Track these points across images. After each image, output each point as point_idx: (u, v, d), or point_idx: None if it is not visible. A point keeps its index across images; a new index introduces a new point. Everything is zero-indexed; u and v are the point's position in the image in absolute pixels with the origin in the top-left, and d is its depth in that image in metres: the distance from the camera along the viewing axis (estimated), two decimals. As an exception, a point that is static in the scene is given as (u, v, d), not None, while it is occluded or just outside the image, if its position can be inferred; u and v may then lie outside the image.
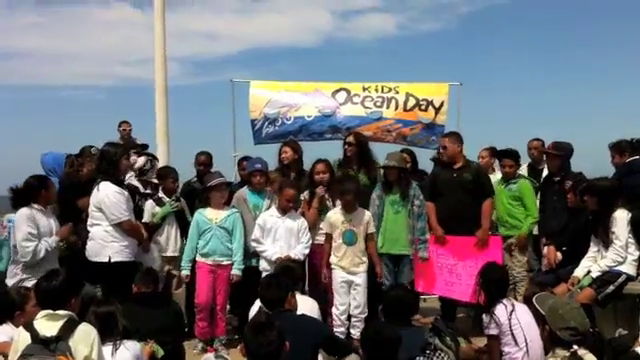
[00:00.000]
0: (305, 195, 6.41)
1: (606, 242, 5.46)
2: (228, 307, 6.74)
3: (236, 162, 7.69)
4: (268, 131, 8.09)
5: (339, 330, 5.84)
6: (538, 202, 6.89)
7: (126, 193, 5.71)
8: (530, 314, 4.35)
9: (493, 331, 4.48)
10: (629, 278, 5.36)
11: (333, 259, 6.05)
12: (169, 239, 6.31)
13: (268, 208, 6.33)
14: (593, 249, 5.63)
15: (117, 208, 5.54)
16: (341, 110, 8.09)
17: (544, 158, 7.29)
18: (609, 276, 5.36)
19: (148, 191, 6.47)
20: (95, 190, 5.62)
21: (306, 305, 4.66)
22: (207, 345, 6.07)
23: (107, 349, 3.67)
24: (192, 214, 6.43)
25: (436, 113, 8.02)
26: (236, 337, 6.13)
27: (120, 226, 5.57)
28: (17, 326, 3.77)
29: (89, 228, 5.63)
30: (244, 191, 6.51)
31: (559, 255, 6.18)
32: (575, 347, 3.43)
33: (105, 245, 5.53)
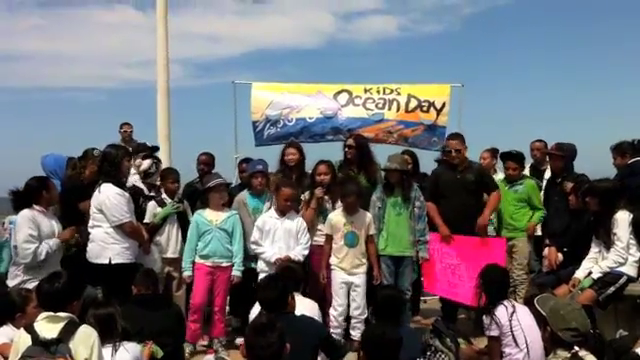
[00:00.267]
0: (305, 195, 6.42)
1: (607, 243, 5.45)
2: (228, 308, 6.74)
3: (237, 164, 7.69)
4: (270, 133, 8.08)
5: (336, 332, 5.86)
6: (542, 203, 6.90)
7: (127, 195, 5.70)
8: (531, 315, 4.35)
9: (494, 332, 4.48)
10: (630, 279, 5.36)
11: (334, 260, 6.07)
12: (170, 241, 6.29)
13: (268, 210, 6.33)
14: (594, 250, 5.63)
15: (118, 210, 5.54)
16: (343, 112, 8.08)
17: (546, 159, 7.29)
18: (610, 277, 5.36)
19: (152, 194, 6.47)
20: (96, 192, 5.62)
21: (306, 306, 4.66)
22: (207, 347, 6.10)
23: (107, 351, 3.68)
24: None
25: (438, 114, 8.00)
26: (237, 340, 6.13)
27: (121, 228, 5.56)
28: (18, 328, 3.78)
29: (90, 230, 5.63)
30: (244, 194, 6.51)
31: (560, 256, 6.18)
32: (576, 348, 3.44)
33: (106, 247, 5.52)
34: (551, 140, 7.36)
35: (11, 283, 5.22)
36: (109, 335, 3.79)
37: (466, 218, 6.42)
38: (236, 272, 6.17)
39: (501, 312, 4.46)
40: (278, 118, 8.05)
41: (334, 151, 7.00)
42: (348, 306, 6.04)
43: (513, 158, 6.94)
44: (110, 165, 5.73)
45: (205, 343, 6.23)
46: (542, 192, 7.06)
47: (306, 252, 6.09)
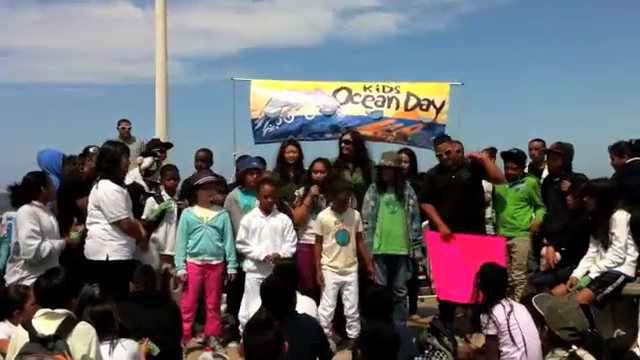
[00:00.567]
0: (300, 191, 6.41)
1: (605, 243, 5.45)
2: (225, 306, 6.74)
3: (235, 161, 7.69)
4: (269, 130, 8.07)
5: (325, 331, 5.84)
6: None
7: (125, 191, 5.67)
8: (528, 314, 4.35)
9: (491, 331, 4.48)
10: (628, 279, 5.36)
11: (325, 260, 6.05)
12: (168, 237, 6.27)
13: None
14: (592, 250, 5.63)
15: (116, 206, 5.51)
16: (342, 110, 8.08)
17: (544, 158, 7.30)
18: (608, 277, 5.36)
19: (152, 191, 6.46)
20: (94, 188, 5.60)
21: (305, 304, 4.66)
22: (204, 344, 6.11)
23: (104, 348, 3.67)
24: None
25: (437, 113, 8.01)
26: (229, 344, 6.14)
27: (119, 224, 5.54)
28: (15, 324, 3.77)
29: (87, 226, 5.60)
30: (235, 192, 6.48)
31: (558, 255, 6.18)
32: (574, 347, 3.44)
33: (103, 244, 5.49)
34: (550, 139, 7.39)
35: (9, 280, 5.20)
36: (106, 332, 3.77)
37: (464, 216, 6.41)
38: (231, 270, 6.16)
39: (499, 311, 4.46)
40: (277, 116, 8.05)
41: (332, 149, 7.00)
42: (337, 306, 6.04)
43: (514, 158, 6.94)
44: (108, 162, 5.69)
45: (200, 340, 6.22)
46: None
47: (294, 249, 6.05)
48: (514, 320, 4.39)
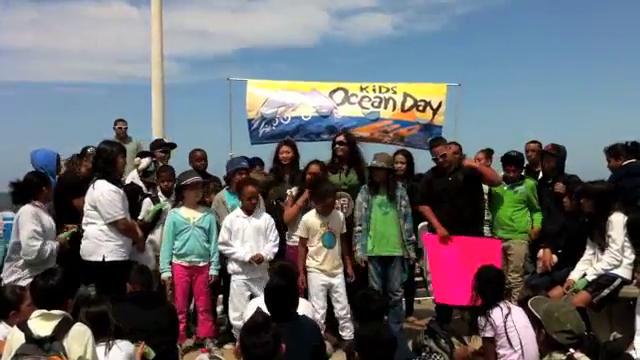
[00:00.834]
0: (293, 191, 6.40)
1: (602, 245, 5.47)
2: (221, 307, 6.72)
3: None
4: (265, 131, 8.04)
5: None
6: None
7: (122, 192, 5.66)
8: (526, 317, 4.35)
9: (488, 333, 4.48)
10: (624, 282, 5.37)
11: (312, 263, 6.04)
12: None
13: None
14: (589, 252, 5.64)
15: (112, 207, 5.49)
16: (338, 110, 8.04)
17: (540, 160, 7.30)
18: (605, 279, 5.37)
19: (150, 192, 6.44)
20: (90, 188, 5.57)
21: (302, 305, 4.64)
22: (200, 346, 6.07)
23: (100, 349, 3.66)
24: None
25: (434, 114, 7.98)
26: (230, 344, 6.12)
27: (115, 225, 5.51)
28: (12, 325, 3.74)
29: (84, 227, 5.58)
30: (222, 193, 6.46)
31: (554, 258, 6.19)
32: (571, 350, 3.44)
33: (100, 244, 5.47)
34: (547, 140, 7.40)
35: (7, 279, 5.19)
36: (102, 333, 3.76)
37: (462, 219, 6.42)
38: (213, 271, 6.15)
39: (496, 313, 4.46)
40: (273, 116, 8.01)
41: (329, 150, 6.96)
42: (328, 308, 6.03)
43: (513, 160, 6.94)
44: (104, 162, 5.66)
45: (192, 342, 6.19)
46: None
47: (276, 249, 6.05)
48: (511, 323, 4.39)
